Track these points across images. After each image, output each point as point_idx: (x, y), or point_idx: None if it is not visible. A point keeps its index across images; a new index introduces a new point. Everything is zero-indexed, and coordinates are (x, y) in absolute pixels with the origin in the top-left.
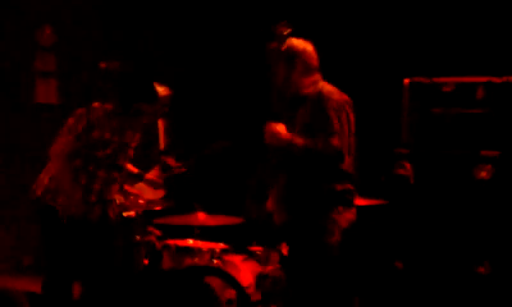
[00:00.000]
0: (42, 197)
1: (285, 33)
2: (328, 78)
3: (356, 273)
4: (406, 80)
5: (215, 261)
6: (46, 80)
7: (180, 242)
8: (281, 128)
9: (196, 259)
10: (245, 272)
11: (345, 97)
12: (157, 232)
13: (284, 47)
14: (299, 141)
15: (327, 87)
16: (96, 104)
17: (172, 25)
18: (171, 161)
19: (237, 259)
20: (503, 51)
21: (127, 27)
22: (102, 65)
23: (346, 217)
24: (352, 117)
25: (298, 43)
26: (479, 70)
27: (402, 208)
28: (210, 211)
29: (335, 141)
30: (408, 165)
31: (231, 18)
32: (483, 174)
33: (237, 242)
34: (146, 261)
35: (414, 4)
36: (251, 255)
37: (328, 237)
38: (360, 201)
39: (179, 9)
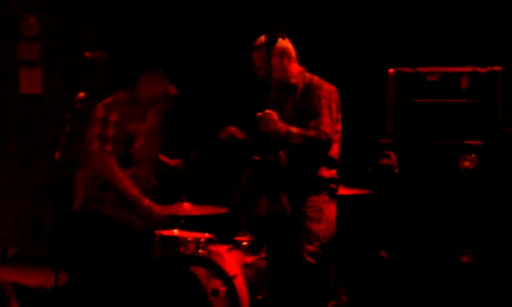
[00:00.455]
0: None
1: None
2: (313, 68)
3: (342, 262)
4: (391, 70)
5: (200, 251)
6: (30, 70)
7: (165, 232)
8: (277, 116)
9: (181, 249)
10: (230, 261)
11: (333, 87)
12: None
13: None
14: (294, 129)
15: (316, 77)
16: (108, 99)
17: (160, 17)
18: (161, 156)
19: (222, 249)
20: (487, 41)
21: (113, 15)
22: (87, 55)
23: (331, 207)
24: (339, 106)
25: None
26: (463, 60)
27: (387, 197)
28: (195, 201)
29: (326, 129)
30: (392, 155)
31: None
32: (467, 163)
33: (222, 231)
34: None
35: None
36: (236, 245)
37: (313, 225)
38: (345, 191)
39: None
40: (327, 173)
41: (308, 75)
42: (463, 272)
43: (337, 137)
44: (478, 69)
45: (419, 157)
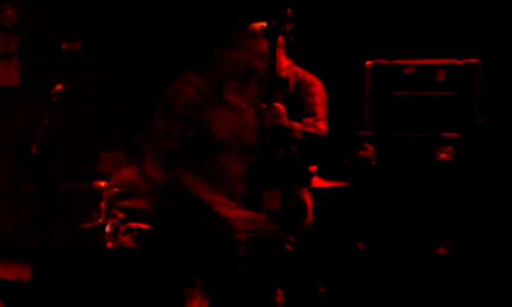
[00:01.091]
0: None
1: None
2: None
3: (319, 254)
4: (368, 63)
5: None
6: (7, 62)
7: (143, 225)
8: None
9: None
10: None
11: (321, 82)
12: (120, 215)
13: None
14: (296, 124)
15: (307, 72)
16: (175, 82)
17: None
18: None
19: None
20: (464, 33)
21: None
22: (64, 46)
23: (309, 197)
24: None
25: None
26: (440, 52)
27: (364, 189)
28: None
29: (322, 126)
30: (369, 147)
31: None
32: (444, 155)
33: None
34: (110, 244)
35: None
36: None
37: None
38: (323, 183)
39: None
40: (312, 167)
41: (299, 70)
42: (440, 263)
43: None
44: (455, 61)
45: (396, 149)
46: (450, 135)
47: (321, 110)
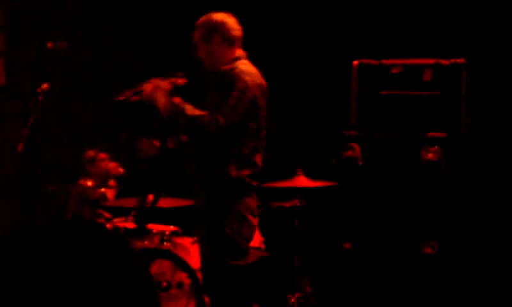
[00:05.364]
0: None
1: None
2: (276, 61)
3: (306, 254)
4: (355, 62)
5: (165, 243)
6: None
7: (130, 225)
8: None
9: (146, 242)
10: (195, 254)
11: (259, 81)
12: (107, 214)
13: (202, 20)
14: (189, 107)
15: (243, 66)
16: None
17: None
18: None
19: (186, 241)
20: (450, 33)
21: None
22: (49, 45)
23: (245, 202)
24: (261, 103)
25: (217, 15)
26: (426, 52)
27: (351, 189)
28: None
29: (221, 119)
30: (356, 147)
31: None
32: (430, 155)
33: (187, 224)
34: None
35: None
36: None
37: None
38: (309, 183)
39: None
40: (235, 172)
41: (238, 63)
42: (426, 263)
43: (261, 136)
44: (441, 61)
45: (383, 149)
46: (436, 135)
47: (230, 103)
